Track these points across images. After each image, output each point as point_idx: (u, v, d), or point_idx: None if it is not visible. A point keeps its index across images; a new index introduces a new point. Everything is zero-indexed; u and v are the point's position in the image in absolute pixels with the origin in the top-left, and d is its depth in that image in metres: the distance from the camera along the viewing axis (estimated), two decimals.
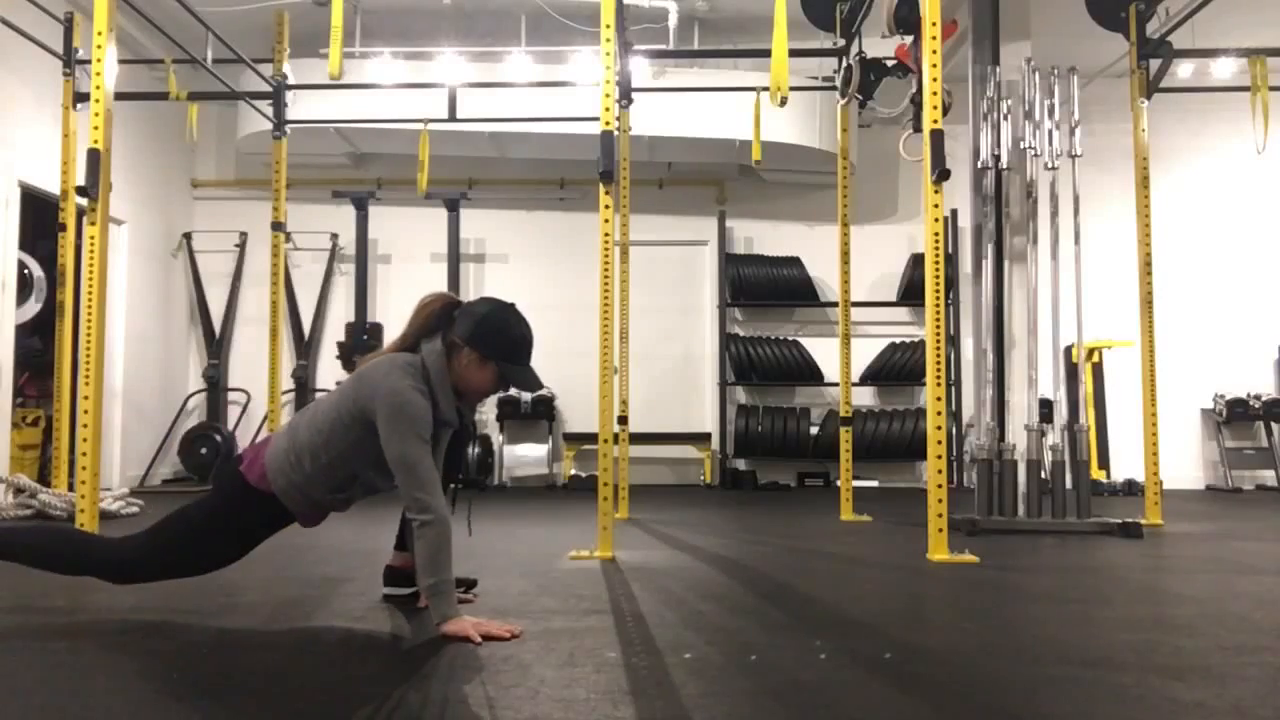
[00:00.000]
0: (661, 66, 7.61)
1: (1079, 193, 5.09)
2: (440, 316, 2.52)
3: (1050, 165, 5.07)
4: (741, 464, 8.52)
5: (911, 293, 8.39)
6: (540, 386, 2.63)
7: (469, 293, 8.72)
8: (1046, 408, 5.33)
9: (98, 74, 3.95)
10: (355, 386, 2.47)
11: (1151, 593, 3.29)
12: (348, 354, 8.23)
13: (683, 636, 2.42)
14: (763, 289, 8.50)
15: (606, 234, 3.95)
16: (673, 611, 2.75)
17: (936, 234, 3.88)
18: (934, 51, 3.91)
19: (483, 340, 2.49)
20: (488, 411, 8.65)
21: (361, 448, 2.45)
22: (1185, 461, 8.41)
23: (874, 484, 8.14)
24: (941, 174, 3.83)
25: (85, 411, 3.84)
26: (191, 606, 2.82)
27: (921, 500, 4.06)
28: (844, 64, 5.57)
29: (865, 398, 8.57)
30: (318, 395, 8.67)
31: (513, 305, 2.58)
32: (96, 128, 3.93)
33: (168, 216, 8.55)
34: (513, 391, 8.36)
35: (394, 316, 8.58)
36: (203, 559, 2.61)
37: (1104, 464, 7.89)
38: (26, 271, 6.64)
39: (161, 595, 3.02)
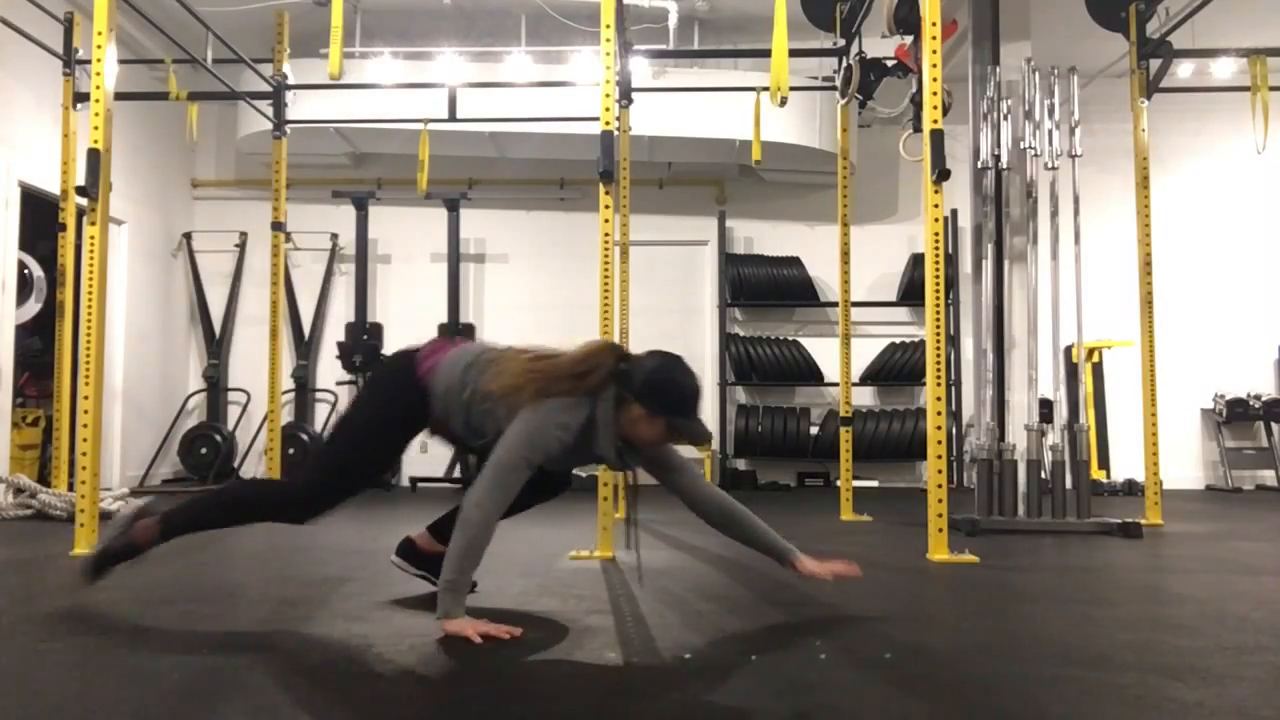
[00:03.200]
0: (661, 66, 7.61)
1: (1079, 193, 5.09)
2: (611, 372, 2.50)
3: (1050, 165, 5.07)
4: (741, 464, 8.52)
5: (911, 293, 8.39)
6: (709, 437, 2.66)
7: (469, 292, 8.73)
8: (1046, 408, 5.33)
9: (98, 74, 3.95)
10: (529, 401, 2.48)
11: (1151, 593, 3.29)
12: (348, 354, 8.23)
13: (683, 636, 2.42)
14: (763, 289, 8.50)
15: (606, 234, 3.95)
16: (673, 611, 2.75)
17: (936, 234, 3.88)
18: (934, 51, 3.91)
19: (652, 397, 2.48)
20: None
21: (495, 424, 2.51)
22: (1185, 461, 8.41)
23: (874, 484, 8.14)
24: (941, 174, 3.83)
25: (85, 411, 3.84)
26: (192, 607, 2.82)
27: (921, 500, 4.06)
28: (844, 64, 5.57)
29: (865, 398, 8.57)
30: (317, 395, 8.68)
31: (679, 358, 2.58)
32: (96, 128, 3.93)
33: (168, 216, 8.55)
34: None
35: (394, 316, 8.59)
36: (365, 459, 2.67)
37: (1104, 464, 7.89)
38: (26, 271, 6.64)
39: (162, 595, 3.02)
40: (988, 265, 5.23)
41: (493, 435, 2.47)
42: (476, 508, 2.35)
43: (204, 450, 8.13)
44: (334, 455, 2.72)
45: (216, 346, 8.65)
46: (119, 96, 4.37)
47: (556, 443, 2.42)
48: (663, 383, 2.51)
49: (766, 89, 4.95)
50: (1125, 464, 7.69)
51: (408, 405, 2.60)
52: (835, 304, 6.54)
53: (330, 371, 8.66)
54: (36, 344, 7.36)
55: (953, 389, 8.25)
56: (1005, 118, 5.12)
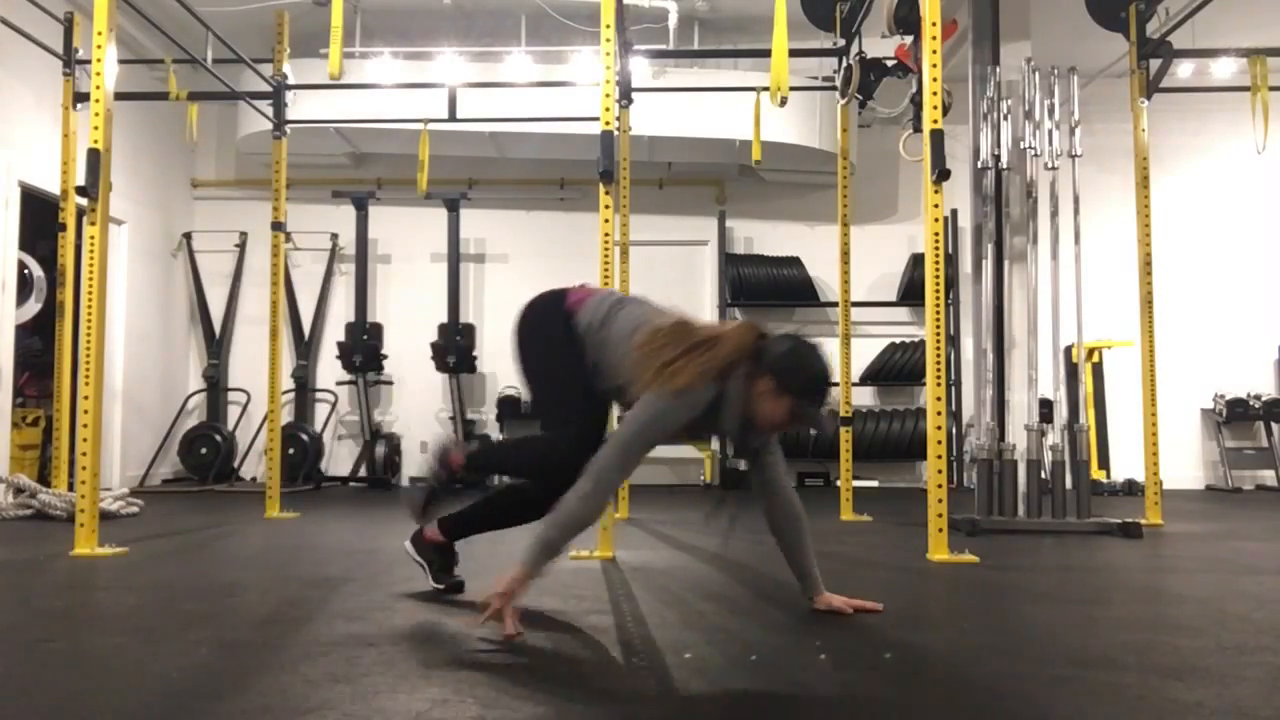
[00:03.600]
0: (661, 66, 7.61)
1: (1079, 193, 5.09)
2: (753, 350, 2.49)
3: (1050, 165, 5.06)
4: (742, 464, 8.51)
5: (911, 293, 8.39)
6: (831, 428, 2.64)
7: (469, 292, 8.73)
8: (1046, 408, 5.33)
9: (98, 74, 3.95)
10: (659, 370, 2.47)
11: (1151, 593, 3.29)
12: (348, 354, 8.24)
13: (683, 636, 2.42)
14: (763, 289, 8.50)
15: (606, 234, 3.95)
16: (673, 611, 2.75)
17: (936, 234, 3.88)
18: (934, 51, 3.91)
19: (784, 373, 2.46)
20: (488, 411, 8.66)
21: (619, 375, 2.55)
22: (1185, 461, 8.41)
23: (874, 484, 8.14)
24: (941, 174, 3.83)
25: (85, 411, 3.84)
26: (192, 607, 2.82)
27: (921, 500, 4.06)
28: (844, 64, 5.57)
29: (865, 398, 8.57)
30: (317, 395, 8.69)
31: (816, 344, 2.58)
32: (96, 128, 3.93)
33: (168, 216, 8.55)
34: (514, 391, 8.41)
35: (394, 316, 8.60)
36: (574, 400, 2.66)
37: (1104, 464, 7.89)
38: (26, 271, 6.64)
39: (162, 595, 3.03)
40: (988, 265, 5.23)
41: (610, 386, 2.57)
42: (592, 483, 2.34)
43: (204, 450, 8.13)
44: (554, 409, 2.73)
45: (216, 346, 8.65)
46: (119, 96, 4.37)
47: (686, 419, 2.42)
48: (797, 363, 2.50)
49: (766, 89, 4.95)
50: (1125, 464, 7.69)
51: (562, 333, 2.66)
52: (835, 304, 6.53)
53: (330, 371, 8.66)
54: (36, 344, 7.36)
55: (953, 389, 8.25)
56: (1005, 118, 5.12)
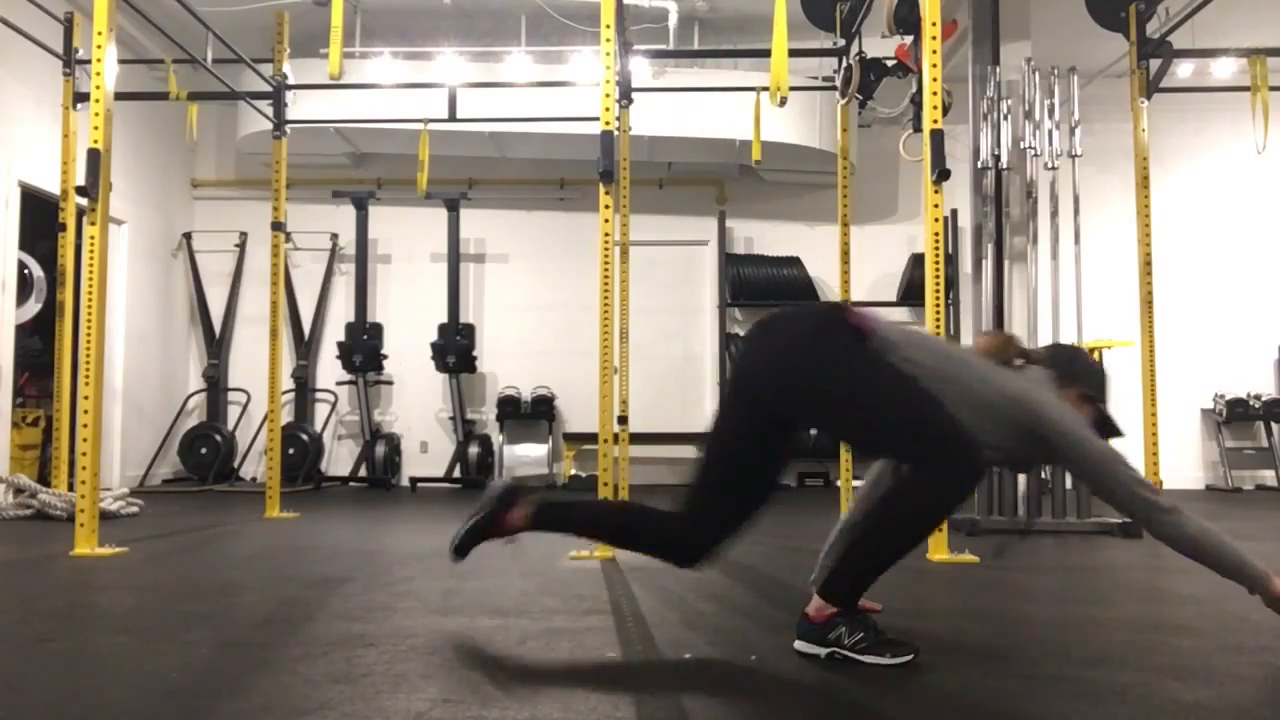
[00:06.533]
0: (661, 66, 7.60)
1: (1079, 193, 5.09)
2: (1015, 355, 2.41)
3: (1050, 165, 5.07)
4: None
5: (911, 293, 8.39)
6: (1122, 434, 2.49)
7: (469, 292, 8.73)
8: None
9: (98, 74, 3.95)
10: (1018, 385, 2.28)
11: (1151, 593, 3.29)
12: (348, 354, 8.24)
13: (683, 636, 2.42)
14: (763, 289, 8.50)
15: (606, 234, 3.95)
16: (673, 611, 2.75)
17: (936, 234, 3.88)
18: (934, 51, 3.91)
19: (1087, 379, 2.41)
20: (488, 411, 8.66)
21: (995, 424, 2.22)
22: (1185, 461, 8.41)
23: None
24: (941, 174, 3.83)
25: (85, 411, 3.84)
26: (191, 607, 2.82)
27: None
28: (844, 64, 5.57)
29: None
30: (317, 395, 8.68)
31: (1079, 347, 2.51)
32: (96, 128, 3.93)
33: (168, 216, 8.55)
34: (513, 391, 8.42)
35: (394, 316, 8.60)
36: (756, 469, 2.29)
37: None
38: (26, 271, 6.64)
39: (162, 595, 3.03)
40: (988, 265, 5.23)
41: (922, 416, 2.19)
42: (1154, 505, 2.16)
43: (204, 450, 8.13)
44: (724, 466, 2.31)
45: (216, 346, 8.64)
46: (119, 96, 4.37)
47: None
48: (1090, 366, 2.47)
49: (766, 89, 4.94)
50: None
51: (845, 341, 2.25)
52: None
53: (330, 371, 8.66)
54: (36, 344, 7.36)
55: None
56: (1005, 118, 5.12)
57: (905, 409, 2.19)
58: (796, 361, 2.24)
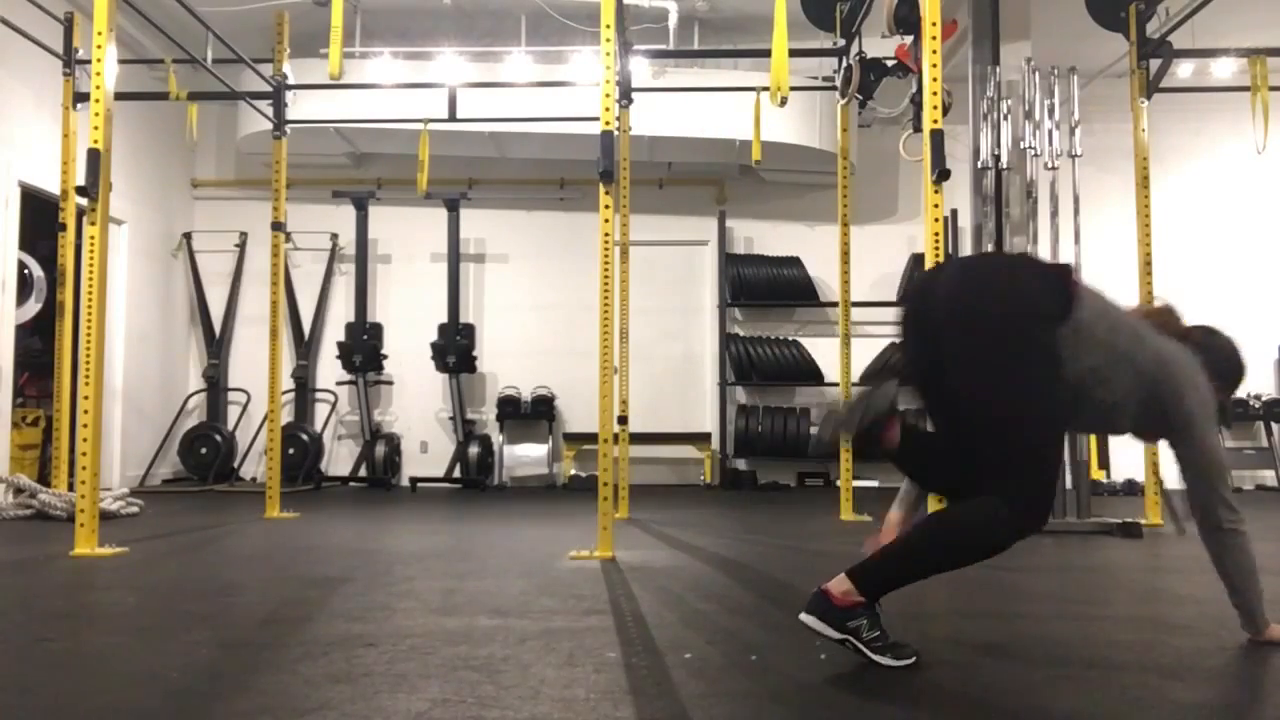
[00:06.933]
0: (661, 66, 7.60)
1: (1079, 193, 5.09)
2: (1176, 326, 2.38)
3: (1050, 165, 5.06)
4: (741, 464, 8.52)
5: None
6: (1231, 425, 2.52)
7: (469, 292, 8.73)
8: None
9: (98, 74, 3.95)
10: (1171, 350, 2.27)
11: (1151, 593, 3.29)
12: (348, 354, 8.24)
13: (683, 636, 2.42)
14: (763, 289, 8.51)
15: (606, 234, 3.95)
16: (673, 611, 2.75)
17: (936, 234, 3.88)
18: (934, 51, 3.91)
19: (1227, 373, 2.39)
20: (488, 411, 8.66)
21: (1118, 389, 2.19)
22: None
23: (874, 484, 8.13)
24: (941, 174, 3.83)
25: (85, 411, 3.84)
26: (191, 607, 2.82)
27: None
28: (844, 64, 5.57)
29: None
30: (317, 395, 8.69)
31: (1232, 336, 2.45)
32: (96, 128, 3.93)
33: (168, 216, 8.55)
34: (513, 391, 8.42)
35: (394, 316, 8.60)
36: (1052, 405, 2.12)
37: (1104, 464, 7.86)
38: (26, 271, 6.64)
39: (162, 595, 3.03)
40: None
41: (1107, 398, 2.17)
42: (1229, 515, 2.24)
43: (204, 450, 8.14)
44: (1022, 431, 2.09)
45: (216, 346, 8.65)
46: (119, 96, 4.37)
47: None
48: (1239, 367, 2.44)
49: (766, 89, 4.95)
50: (1125, 464, 7.67)
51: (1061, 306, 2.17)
52: (835, 304, 6.54)
53: (330, 371, 8.66)
54: (36, 344, 7.36)
55: None
56: (1005, 118, 5.12)
57: (1031, 408, 2.08)
58: (976, 323, 2.17)
